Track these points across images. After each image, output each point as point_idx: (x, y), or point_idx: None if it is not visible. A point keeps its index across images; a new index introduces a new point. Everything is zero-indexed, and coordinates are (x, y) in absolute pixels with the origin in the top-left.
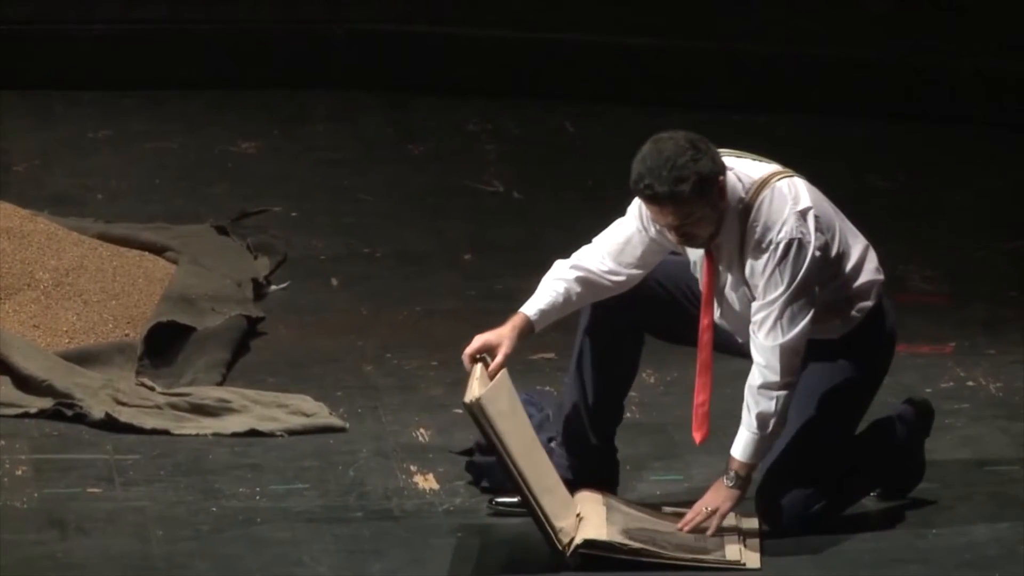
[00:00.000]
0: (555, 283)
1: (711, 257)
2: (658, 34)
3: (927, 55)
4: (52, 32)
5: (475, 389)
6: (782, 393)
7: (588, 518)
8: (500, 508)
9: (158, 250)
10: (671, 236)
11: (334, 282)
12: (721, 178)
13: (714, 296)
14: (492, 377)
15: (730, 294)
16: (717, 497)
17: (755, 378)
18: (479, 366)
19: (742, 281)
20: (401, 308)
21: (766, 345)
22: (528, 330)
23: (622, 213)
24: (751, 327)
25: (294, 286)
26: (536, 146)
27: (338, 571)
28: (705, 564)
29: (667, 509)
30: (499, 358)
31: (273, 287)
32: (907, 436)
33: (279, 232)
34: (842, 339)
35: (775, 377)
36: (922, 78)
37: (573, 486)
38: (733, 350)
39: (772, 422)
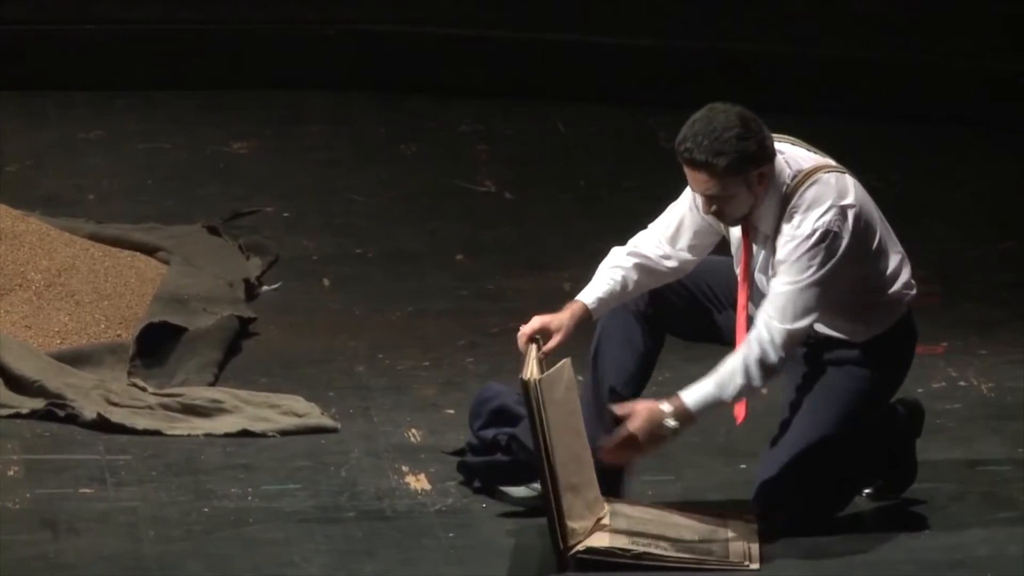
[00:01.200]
0: (612, 271)
1: (747, 237)
2: (651, 34)
3: (917, 55)
4: (44, 32)
5: (533, 369)
6: (773, 376)
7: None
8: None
9: (150, 251)
10: (702, 206)
11: (326, 282)
12: (766, 165)
13: (749, 276)
14: (543, 360)
15: (760, 277)
16: (652, 436)
17: (753, 351)
18: (534, 347)
19: (772, 267)
20: (393, 308)
21: (774, 325)
22: (586, 318)
23: (615, 214)
24: (764, 301)
25: (286, 286)
26: (528, 147)
27: (330, 571)
28: (709, 565)
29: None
30: (552, 342)
31: (265, 287)
32: (898, 436)
33: (271, 232)
34: (864, 346)
35: (774, 358)
36: (913, 78)
37: None
38: None
39: (746, 396)
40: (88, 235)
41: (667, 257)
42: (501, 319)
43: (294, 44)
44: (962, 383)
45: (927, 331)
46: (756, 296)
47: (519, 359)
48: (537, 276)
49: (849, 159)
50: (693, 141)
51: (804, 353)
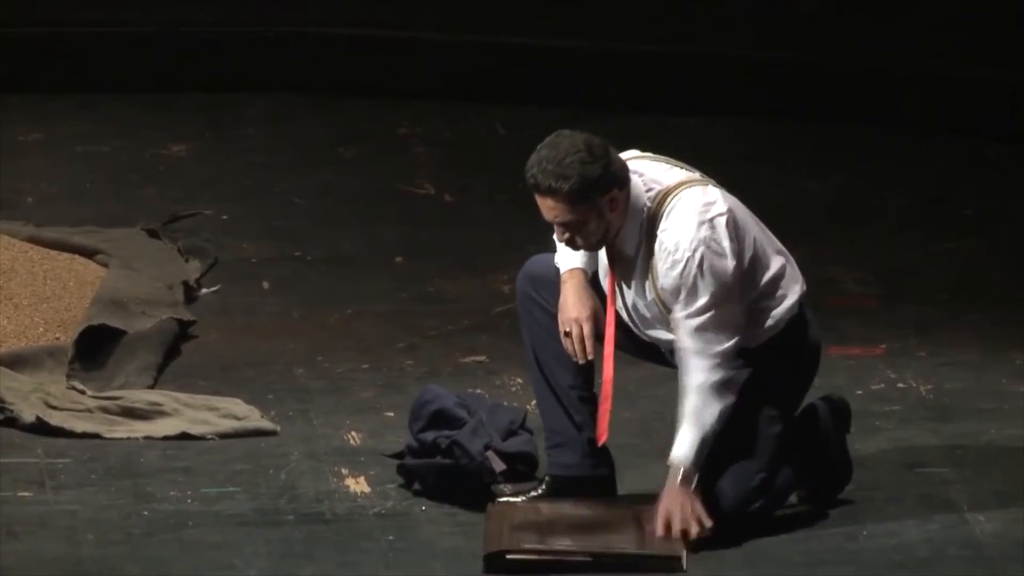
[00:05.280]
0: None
1: (613, 263)
2: (590, 37)
3: (858, 57)
4: None
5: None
6: (736, 387)
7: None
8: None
9: (89, 253)
10: (556, 234)
11: (265, 285)
12: (615, 190)
13: (615, 306)
14: (602, 336)
15: (638, 302)
16: (684, 502)
17: (706, 377)
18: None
19: (648, 291)
20: (332, 311)
21: (707, 350)
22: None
23: None
24: (682, 333)
25: (225, 289)
26: (467, 149)
27: (269, 574)
28: (632, 553)
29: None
30: (600, 325)
31: (204, 290)
32: (826, 433)
33: (210, 235)
34: (760, 349)
35: (726, 374)
36: (854, 79)
37: (577, 483)
38: (646, 354)
39: (722, 420)
40: (27, 238)
41: None
42: (440, 321)
43: (233, 47)
44: (901, 384)
45: (866, 333)
46: (639, 319)
47: (454, 362)
48: (476, 278)
49: (783, 161)
50: (538, 167)
51: None
